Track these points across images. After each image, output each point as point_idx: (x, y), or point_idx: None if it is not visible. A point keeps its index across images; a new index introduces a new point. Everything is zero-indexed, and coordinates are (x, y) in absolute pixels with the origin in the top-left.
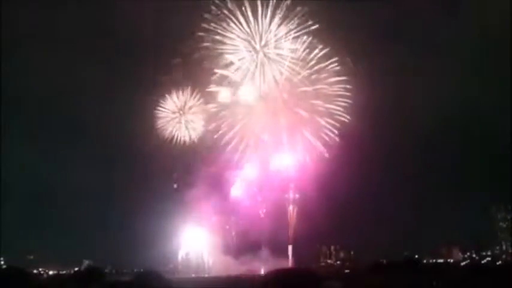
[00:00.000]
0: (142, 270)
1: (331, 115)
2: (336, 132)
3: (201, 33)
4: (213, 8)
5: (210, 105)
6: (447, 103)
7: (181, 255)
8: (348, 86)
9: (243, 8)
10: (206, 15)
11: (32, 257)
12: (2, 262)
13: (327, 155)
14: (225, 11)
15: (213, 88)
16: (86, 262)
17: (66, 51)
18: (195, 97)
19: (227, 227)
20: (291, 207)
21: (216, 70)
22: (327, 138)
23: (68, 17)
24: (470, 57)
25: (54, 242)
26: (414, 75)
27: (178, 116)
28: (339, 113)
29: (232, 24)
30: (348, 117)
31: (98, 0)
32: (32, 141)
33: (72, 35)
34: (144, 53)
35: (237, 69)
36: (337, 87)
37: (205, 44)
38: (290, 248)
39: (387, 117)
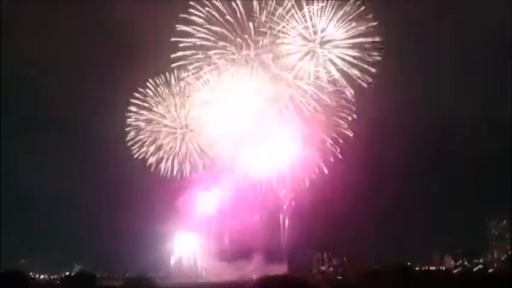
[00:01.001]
0: (134, 275)
1: (333, 128)
2: (336, 146)
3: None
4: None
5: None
6: (446, 110)
7: (173, 260)
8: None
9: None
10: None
11: (22, 261)
12: None
13: (326, 171)
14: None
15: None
16: (77, 267)
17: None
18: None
19: (220, 231)
20: (285, 207)
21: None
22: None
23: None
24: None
25: (45, 246)
26: (417, 79)
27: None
28: (342, 126)
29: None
30: (351, 132)
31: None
32: (22, 142)
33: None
34: (136, 53)
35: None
36: (340, 97)
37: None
38: (284, 254)
39: (382, 124)
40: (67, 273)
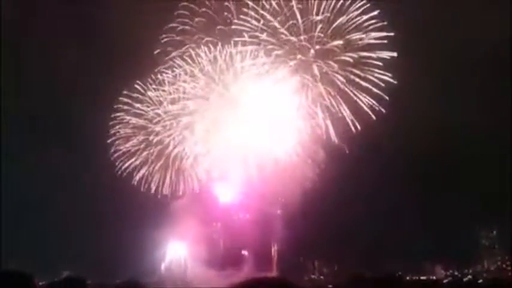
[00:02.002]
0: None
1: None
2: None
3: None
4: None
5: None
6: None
7: (163, 266)
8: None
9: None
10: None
11: (8, 267)
12: None
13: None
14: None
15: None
16: (66, 273)
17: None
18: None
19: (214, 237)
20: (278, 212)
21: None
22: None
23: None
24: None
25: (34, 251)
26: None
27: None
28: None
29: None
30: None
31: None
32: (13, 146)
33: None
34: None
35: None
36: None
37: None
38: (274, 262)
39: (376, 132)
40: (55, 279)
